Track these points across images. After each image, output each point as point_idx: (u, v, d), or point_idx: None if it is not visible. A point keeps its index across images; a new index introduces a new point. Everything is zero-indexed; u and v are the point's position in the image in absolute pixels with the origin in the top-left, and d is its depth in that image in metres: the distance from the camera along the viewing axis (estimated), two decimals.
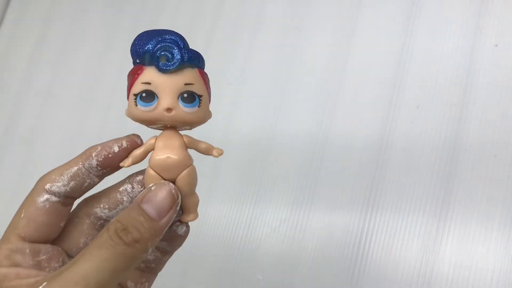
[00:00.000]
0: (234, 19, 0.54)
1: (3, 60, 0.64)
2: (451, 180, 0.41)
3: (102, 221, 0.30)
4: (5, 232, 0.28)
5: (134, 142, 0.31)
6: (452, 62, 0.44)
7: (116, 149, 0.29)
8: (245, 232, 0.46)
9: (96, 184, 0.29)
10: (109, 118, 0.56)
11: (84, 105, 0.58)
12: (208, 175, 0.49)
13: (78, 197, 0.29)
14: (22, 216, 0.28)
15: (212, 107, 0.54)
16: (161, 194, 0.27)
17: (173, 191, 0.27)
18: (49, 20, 0.64)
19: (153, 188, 0.27)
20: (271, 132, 0.48)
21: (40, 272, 0.26)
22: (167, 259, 0.31)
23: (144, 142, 0.30)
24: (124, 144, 0.30)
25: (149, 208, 0.26)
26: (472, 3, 0.44)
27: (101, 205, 0.30)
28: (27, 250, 0.27)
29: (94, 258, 0.24)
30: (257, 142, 0.48)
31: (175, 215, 0.27)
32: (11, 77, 0.63)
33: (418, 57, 0.45)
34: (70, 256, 0.29)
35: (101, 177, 0.30)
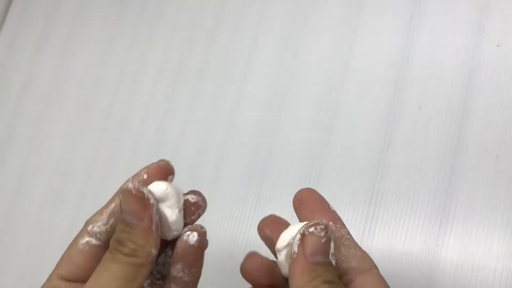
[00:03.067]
0: (236, 18, 0.54)
1: (5, 60, 0.64)
2: (453, 180, 0.41)
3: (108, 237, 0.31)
4: (52, 271, 0.30)
5: (160, 167, 0.31)
6: (454, 62, 0.44)
7: (145, 176, 0.30)
8: (247, 233, 0.46)
9: None
10: (110, 119, 0.56)
11: (86, 106, 0.58)
12: (208, 175, 0.49)
13: None
14: (64, 256, 0.29)
15: (214, 106, 0.54)
16: (128, 199, 0.27)
17: (134, 192, 0.27)
18: (50, 21, 0.64)
19: (121, 198, 0.28)
20: (273, 132, 0.48)
21: None
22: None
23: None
24: (150, 170, 0.30)
25: (128, 217, 0.27)
26: (475, 3, 0.44)
27: (98, 223, 0.31)
28: None
29: (105, 273, 0.26)
30: (259, 142, 0.48)
31: (156, 210, 0.27)
32: (13, 77, 0.63)
33: (420, 57, 0.45)
34: None
35: None
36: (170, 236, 0.29)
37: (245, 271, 0.29)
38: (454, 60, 0.44)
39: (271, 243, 0.30)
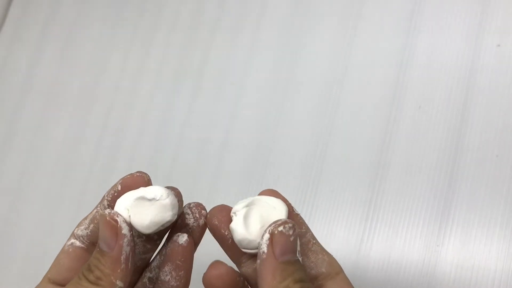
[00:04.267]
0: (236, 18, 0.54)
1: (5, 60, 0.64)
2: (453, 180, 0.41)
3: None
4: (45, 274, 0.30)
5: (135, 178, 0.30)
6: (455, 61, 0.44)
7: (119, 187, 0.29)
8: None
9: None
10: (111, 118, 0.56)
11: (86, 105, 0.58)
12: (208, 175, 0.49)
13: None
14: (54, 259, 0.30)
15: (214, 107, 0.54)
16: (102, 225, 0.27)
17: (107, 218, 0.27)
18: (50, 21, 0.64)
19: (97, 222, 0.28)
20: (273, 132, 0.48)
21: None
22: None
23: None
24: (124, 182, 0.29)
25: (101, 244, 0.27)
26: (475, 3, 0.44)
27: (82, 227, 0.31)
28: None
29: None
30: (259, 142, 0.48)
31: (128, 241, 0.26)
32: (13, 77, 0.63)
33: (420, 57, 0.45)
34: None
35: None
36: (167, 219, 0.28)
37: (207, 281, 0.28)
38: (454, 60, 0.44)
39: (219, 235, 0.29)
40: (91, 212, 0.30)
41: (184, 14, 0.56)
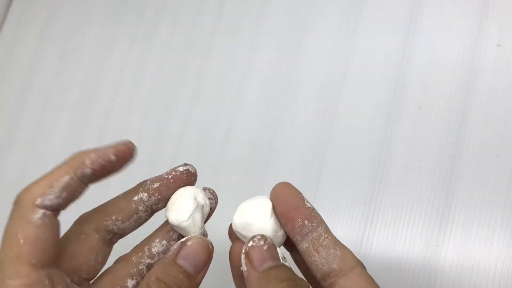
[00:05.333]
0: (236, 18, 0.54)
1: (5, 60, 0.64)
2: (453, 180, 0.41)
3: (113, 234, 0.29)
4: (5, 265, 0.24)
5: (130, 149, 0.29)
6: (455, 62, 0.44)
7: (113, 158, 0.28)
8: None
9: (84, 192, 0.28)
10: (111, 118, 0.56)
11: (86, 106, 0.58)
12: (209, 175, 0.49)
13: (65, 208, 0.27)
14: (21, 241, 0.24)
15: (214, 107, 0.54)
16: (199, 250, 0.26)
17: (210, 246, 0.27)
18: (50, 21, 0.64)
19: (189, 244, 0.27)
20: (273, 132, 0.48)
21: None
22: None
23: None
24: (119, 152, 0.28)
25: (187, 264, 0.26)
26: (475, 3, 0.44)
27: (113, 217, 0.29)
28: (46, 281, 0.24)
29: None
30: (259, 142, 0.48)
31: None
32: (13, 77, 0.63)
33: (420, 57, 0.45)
34: (78, 276, 0.27)
35: (89, 185, 0.28)
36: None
37: (233, 257, 0.28)
38: (454, 60, 0.44)
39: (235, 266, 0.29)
40: (56, 180, 0.26)
41: (184, 14, 0.56)
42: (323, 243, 0.27)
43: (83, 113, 0.57)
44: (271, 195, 0.29)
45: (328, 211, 0.44)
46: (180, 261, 0.26)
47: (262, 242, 0.26)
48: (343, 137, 0.46)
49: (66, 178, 0.26)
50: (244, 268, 0.26)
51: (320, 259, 0.26)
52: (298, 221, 0.27)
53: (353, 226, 0.43)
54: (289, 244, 0.29)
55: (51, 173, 0.26)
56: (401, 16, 0.46)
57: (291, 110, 0.48)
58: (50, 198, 0.26)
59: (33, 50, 0.63)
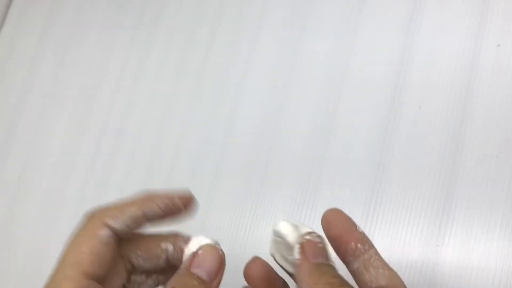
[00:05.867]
0: (236, 19, 0.54)
1: (5, 60, 0.64)
2: (453, 180, 0.41)
3: (132, 266, 0.30)
4: (64, 268, 0.27)
5: (193, 203, 0.31)
6: (454, 62, 0.44)
7: (182, 206, 0.30)
8: (247, 232, 0.46)
9: (141, 228, 0.30)
10: (111, 118, 0.56)
11: (86, 106, 0.58)
12: (209, 175, 0.49)
13: (123, 237, 0.29)
14: (85, 251, 0.27)
15: (214, 106, 0.54)
16: (210, 257, 0.28)
17: (220, 252, 0.28)
18: (50, 21, 0.64)
19: (200, 252, 0.28)
20: (273, 132, 0.48)
21: None
22: None
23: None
24: (186, 203, 0.31)
25: (201, 272, 0.27)
26: (475, 3, 0.44)
27: (138, 252, 0.30)
28: None
29: None
30: (259, 142, 0.48)
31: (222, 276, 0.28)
32: (13, 77, 0.63)
33: (420, 57, 0.45)
34: None
35: (147, 223, 0.31)
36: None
37: (247, 276, 0.30)
38: (454, 60, 0.44)
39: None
40: (127, 207, 0.29)
41: (184, 14, 0.56)
42: (374, 264, 0.29)
43: (83, 113, 0.57)
44: (322, 220, 0.31)
45: None
46: (194, 270, 0.27)
47: (318, 240, 0.28)
48: (343, 137, 0.46)
49: (135, 210, 0.29)
50: (297, 256, 0.27)
51: (370, 277, 0.29)
52: (351, 244, 0.29)
53: None
54: None
55: (123, 202, 0.29)
56: (401, 16, 0.46)
57: (291, 110, 0.48)
58: (118, 223, 0.28)
59: (33, 50, 0.63)
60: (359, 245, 0.29)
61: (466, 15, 0.44)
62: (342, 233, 0.29)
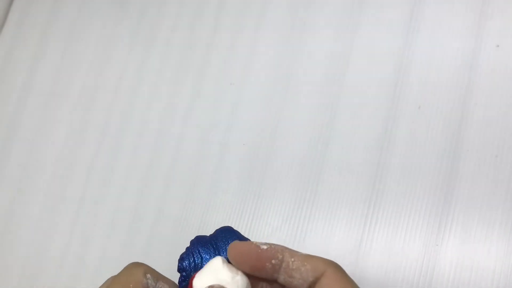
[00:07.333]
0: (236, 18, 0.54)
1: (5, 60, 0.64)
2: (452, 180, 0.41)
3: None
4: None
5: None
6: (454, 62, 0.44)
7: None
8: (246, 232, 0.46)
9: None
10: (111, 118, 0.56)
11: (86, 106, 0.58)
12: (209, 175, 0.49)
13: None
14: (131, 286, 0.31)
15: (213, 107, 0.54)
16: None
17: None
18: (51, 21, 0.64)
19: None
20: (273, 132, 0.48)
21: None
22: None
23: None
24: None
25: None
26: (474, 3, 0.44)
27: None
28: None
29: None
30: (259, 142, 0.49)
31: None
32: (13, 78, 0.63)
33: (420, 57, 0.45)
34: None
35: None
36: None
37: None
38: (453, 60, 0.44)
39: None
40: (158, 275, 0.32)
41: (185, 14, 0.56)
42: (294, 267, 0.29)
43: (84, 113, 0.58)
44: (230, 260, 0.31)
45: (328, 211, 0.44)
46: None
47: None
48: (343, 137, 0.46)
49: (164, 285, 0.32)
50: None
51: (298, 281, 0.29)
52: (267, 265, 0.29)
53: (352, 226, 0.43)
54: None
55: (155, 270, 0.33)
56: (401, 16, 0.46)
57: (291, 110, 0.48)
58: (150, 278, 0.32)
59: (34, 50, 0.63)
60: (273, 261, 0.29)
61: (466, 16, 0.44)
62: (252, 263, 0.29)
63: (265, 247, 0.30)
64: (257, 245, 0.30)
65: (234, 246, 0.30)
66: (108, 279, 0.34)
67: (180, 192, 0.50)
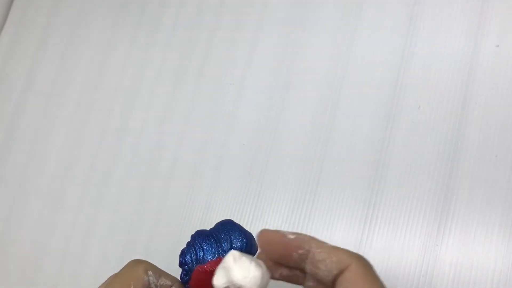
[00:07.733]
0: (236, 18, 0.54)
1: (6, 61, 0.64)
2: (452, 180, 0.41)
3: None
4: None
5: None
6: (454, 62, 0.44)
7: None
8: None
9: None
10: (111, 118, 0.56)
11: (87, 106, 0.58)
12: (209, 175, 0.49)
13: None
14: (132, 284, 0.32)
15: (214, 107, 0.54)
16: None
17: None
18: (51, 22, 0.64)
19: None
20: (273, 132, 0.48)
21: None
22: None
23: None
24: None
25: None
26: (473, 4, 0.44)
27: None
28: None
29: None
30: (259, 142, 0.49)
31: None
32: (13, 78, 0.63)
33: (420, 57, 0.45)
34: None
35: None
36: None
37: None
38: (453, 60, 0.44)
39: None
40: (160, 272, 0.34)
41: (185, 14, 0.56)
42: (320, 258, 0.29)
43: (84, 113, 0.58)
44: (259, 248, 0.31)
45: (328, 211, 0.44)
46: None
47: None
48: (343, 137, 0.46)
49: (166, 281, 0.34)
50: None
51: (323, 273, 0.29)
52: (293, 255, 0.29)
53: (352, 226, 0.43)
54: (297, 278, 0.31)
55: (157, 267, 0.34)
56: (401, 16, 0.46)
57: (291, 110, 0.48)
58: (151, 275, 0.33)
59: (34, 50, 0.63)
60: (299, 251, 0.29)
61: (465, 16, 0.44)
62: (280, 252, 0.30)
63: (292, 236, 0.30)
64: (284, 234, 0.30)
65: (263, 235, 0.31)
66: (109, 277, 0.34)
67: (180, 192, 0.50)
